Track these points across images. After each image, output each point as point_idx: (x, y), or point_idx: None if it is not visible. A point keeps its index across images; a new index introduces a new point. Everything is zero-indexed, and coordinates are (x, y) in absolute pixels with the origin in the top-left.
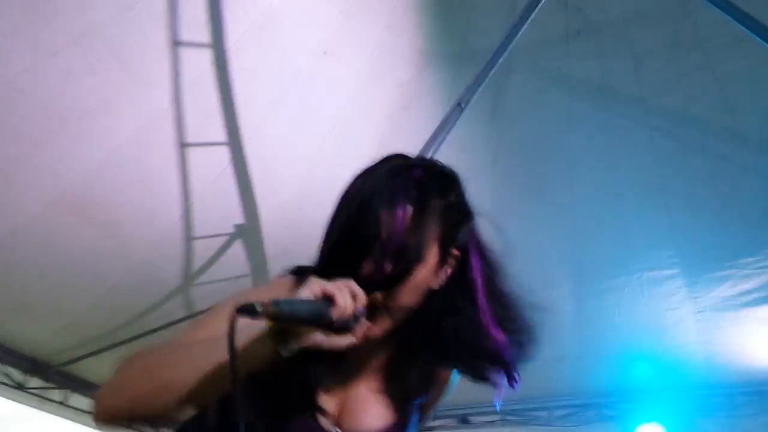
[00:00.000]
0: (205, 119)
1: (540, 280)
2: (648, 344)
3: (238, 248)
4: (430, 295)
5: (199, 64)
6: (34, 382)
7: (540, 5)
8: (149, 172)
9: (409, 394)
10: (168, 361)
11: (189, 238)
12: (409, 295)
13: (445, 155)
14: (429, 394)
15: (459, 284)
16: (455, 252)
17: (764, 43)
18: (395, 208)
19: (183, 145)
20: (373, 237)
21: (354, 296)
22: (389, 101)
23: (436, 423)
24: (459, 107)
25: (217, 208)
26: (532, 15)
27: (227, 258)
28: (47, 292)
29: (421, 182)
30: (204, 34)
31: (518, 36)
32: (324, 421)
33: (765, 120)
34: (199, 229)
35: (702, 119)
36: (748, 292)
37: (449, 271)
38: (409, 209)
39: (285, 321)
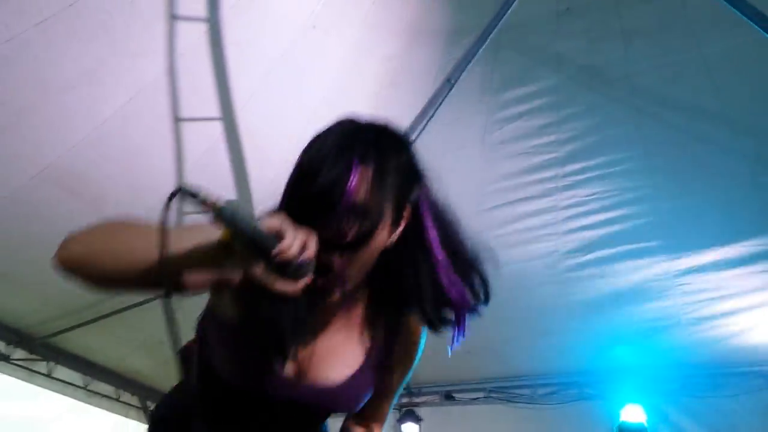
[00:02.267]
0: (194, 93)
1: (524, 256)
2: (631, 323)
3: None
4: (383, 253)
5: (188, 37)
6: (19, 353)
7: None
8: (135, 146)
9: (376, 342)
10: (132, 230)
11: (180, 212)
12: (367, 257)
13: (434, 131)
14: (397, 346)
15: (415, 240)
16: (407, 210)
17: (752, 23)
18: (354, 170)
19: (177, 120)
20: (334, 199)
21: (304, 245)
22: (378, 76)
23: (421, 399)
24: (448, 83)
25: (206, 183)
26: None
27: None
28: (31, 265)
29: (376, 144)
30: (199, 8)
31: (508, 12)
32: (286, 370)
33: (750, 102)
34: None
35: (688, 100)
36: (732, 271)
37: (400, 229)
38: (369, 170)
39: (226, 224)
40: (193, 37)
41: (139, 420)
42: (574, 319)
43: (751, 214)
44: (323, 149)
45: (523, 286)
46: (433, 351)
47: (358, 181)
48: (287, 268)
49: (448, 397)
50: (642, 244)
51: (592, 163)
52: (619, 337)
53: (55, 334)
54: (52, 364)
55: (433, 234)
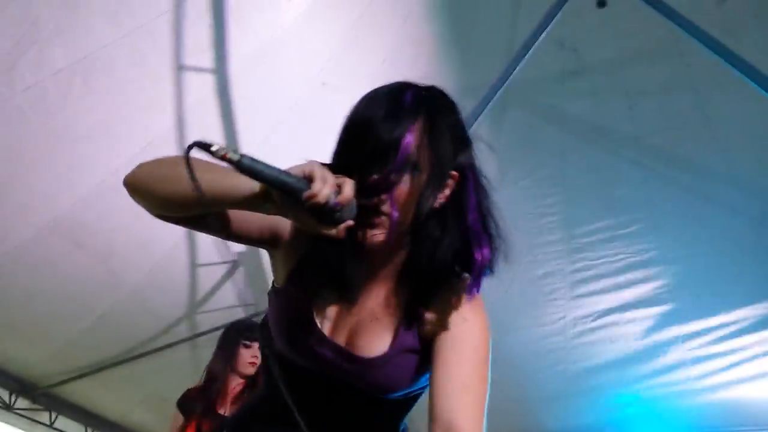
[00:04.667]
0: None
1: (530, 319)
2: (639, 386)
3: (238, 276)
4: (429, 214)
5: (199, 90)
6: (22, 403)
7: (536, 44)
8: None
9: (413, 310)
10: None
11: (193, 264)
12: (408, 203)
13: None
14: (441, 330)
15: (454, 204)
16: (454, 173)
17: (756, 86)
18: (407, 122)
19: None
20: (385, 149)
21: (338, 188)
22: None
23: None
24: None
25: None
26: (529, 53)
27: (228, 286)
28: (37, 317)
29: (428, 100)
30: (206, 60)
31: (514, 73)
32: (328, 330)
33: (756, 163)
34: (196, 257)
35: (694, 160)
36: (741, 336)
37: (448, 192)
38: (419, 124)
39: (248, 172)
40: (202, 91)
41: None
42: (582, 383)
43: (757, 277)
44: (376, 105)
45: (531, 351)
46: None
47: (410, 136)
48: (323, 212)
49: None
50: (650, 309)
51: (598, 225)
52: (628, 401)
53: (57, 384)
54: (55, 414)
55: (473, 200)
